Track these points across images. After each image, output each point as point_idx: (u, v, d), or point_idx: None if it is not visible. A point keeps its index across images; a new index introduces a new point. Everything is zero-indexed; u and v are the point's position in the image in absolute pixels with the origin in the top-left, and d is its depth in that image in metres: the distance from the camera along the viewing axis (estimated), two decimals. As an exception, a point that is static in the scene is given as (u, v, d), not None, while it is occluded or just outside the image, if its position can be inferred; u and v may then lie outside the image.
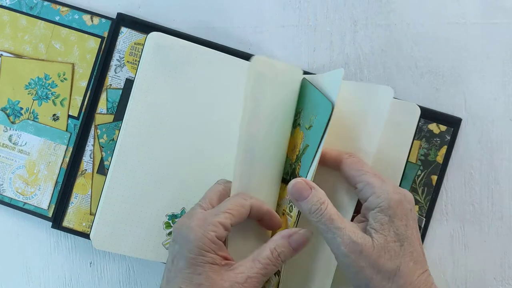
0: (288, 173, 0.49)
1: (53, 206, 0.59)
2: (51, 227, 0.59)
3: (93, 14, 0.60)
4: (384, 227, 0.40)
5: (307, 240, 0.43)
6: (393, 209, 0.40)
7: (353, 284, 0.41)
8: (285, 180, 0.50)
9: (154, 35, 0.55)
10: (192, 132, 0.54)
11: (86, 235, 0.58)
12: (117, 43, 0.60)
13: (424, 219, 0.49)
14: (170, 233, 0.55)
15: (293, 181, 0.42)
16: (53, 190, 0.59)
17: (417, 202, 0.56)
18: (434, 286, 0.40)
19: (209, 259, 0.41)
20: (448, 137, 0.57)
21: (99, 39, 0.60)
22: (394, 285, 0.39)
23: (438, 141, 0.57)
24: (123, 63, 0.59)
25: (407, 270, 0.39)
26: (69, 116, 0.60)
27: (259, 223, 0.47)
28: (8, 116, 0.60)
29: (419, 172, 0.57)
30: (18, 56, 0.60)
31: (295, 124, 0.50)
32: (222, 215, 0.42)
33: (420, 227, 0.48)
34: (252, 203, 0.44)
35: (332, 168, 0.45)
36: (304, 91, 0.50)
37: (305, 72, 0.58)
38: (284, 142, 0.50)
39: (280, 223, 0.47)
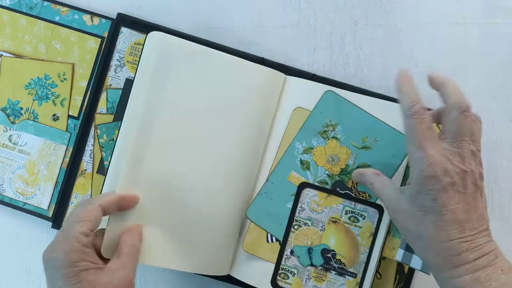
0: (328, 184, 0.54)
1: (53, 206, 0.59)
2: (51, 227, 0.59)
3: (93, 14, 0.60)
4: (412, 198, 0.43)
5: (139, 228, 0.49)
6: (421, 184, 0.42)
7: (403, 235, 0.46)
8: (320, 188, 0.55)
9: (154, 34, 0.55)
10: (192, 132, 0.54)
11: (86, 235, 0.58)
12: (117, 43, 0.60)
13: None
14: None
15: (353, 173, 0.53)
16: (53, 190, 0.59)
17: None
18: (465, 254, 0.40)
19: (83, 266, 0.44)
20: (448, 137, 0.57)
21: (99, 39, 0.60)
22: (418, 245, 0.43)
23: (438, 141, 0.57)
24: (123, 63, 0.59)
25: (428, 236, 0.42)
26: (69, 116, 0.60)
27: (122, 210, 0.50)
28: (8, 116, 0.60)
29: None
30: (18, 56, 0.60)
31: (325, 135, 0.54)
32: (78, 225, 0.45)
33: None
34: (100, 202, 0.46)
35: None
36: (341, 106, 0.54)
37: (304, 72, 0.58)
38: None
39: (136, 197, 0.50)
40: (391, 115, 0.52)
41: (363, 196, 0.53)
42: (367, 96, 0.55)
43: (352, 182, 0.54)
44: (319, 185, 0.54)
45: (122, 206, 0.49)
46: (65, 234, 0.45)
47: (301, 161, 0.55)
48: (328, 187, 0.54)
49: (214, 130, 0.54)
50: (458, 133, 0.42)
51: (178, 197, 0.52)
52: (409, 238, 0.44)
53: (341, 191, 0.54)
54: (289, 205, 0.54)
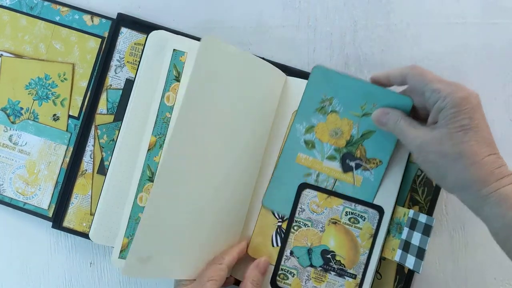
0: (337, 158, 0.54)
1: (53, 206, 0.59)
2: (51, 227, 0.59)
3: (93, 14, 0.60)
4: (448, 122, 0.44)
5: (267, 263, 0.54)
6: (458, 106, 0.44)
7: (429, 173, 0.48)
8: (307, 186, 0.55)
9: (155, 34, 0.55)
10: (193, 132, 0.54)
11: (86, 235, 0.58)
12: (117, 43, 0.60)
13: (434, 218, 0.49)
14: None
15: (373, 114, 0.51)
16: (53, 190, 0.60)
17: (417, 202, 0.56)
18: (504, 167, 0.43)
19: None
20: (448, 137, 0.57)
21: (99, 39, 0.60)
22: (460, 166, 0.44)
23: (438, 141, 0.57)
24: (123, 63, 0.59)
25: (471, 151, 0.43)
26: (69, 116, 0.60)
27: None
28: (8, 116, 0.60)
29: (419, 172, 0.57)
30: (19, 56, 0.60)
31: (323, 110, 0.53)
32: (208, 284, 0.49)
33: (430, 226, 0.49)
34: (227, 262, 0.51)
35: (397, 84, 0.50)
36: (333, 79, 0.53)
37: (304, 72, 0.58)
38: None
39: (245, 245, 0.55)
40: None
41: (374, 163, 0.53)
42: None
43: (360, 151, 0.53)
44: (323, 175, 0.54)
45: (240, 257, 0.54)
46: None
47: (305, 141, 0.54)
48: (337, 161, 0.54)
49: (226, 130, 0.53)
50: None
51: (186, 199, 0.51)
52: (445, 164, 0.45)
53: (351, 163, 0.54)
54: None
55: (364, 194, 0.54)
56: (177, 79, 0.56)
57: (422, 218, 0.48)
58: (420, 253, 0.48)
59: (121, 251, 0.55)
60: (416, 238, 0.48)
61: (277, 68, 0.55)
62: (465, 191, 0.44)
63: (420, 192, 0.57)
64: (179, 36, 0.56)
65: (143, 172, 0.55)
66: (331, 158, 0.54)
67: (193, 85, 0.47)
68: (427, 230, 0.47)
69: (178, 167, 0.49)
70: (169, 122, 0.56)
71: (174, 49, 0.56)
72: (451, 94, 0.44)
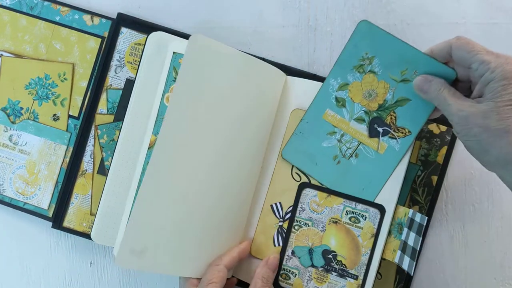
0: (365, 121, 0.53)
1: (53, 206, 0.59)
2: (51, 227, 0.59)
3: (93, 14, 0.60)
4: (496, 95, 0.42)
5: (277, 260, 0.54)
6: (508, 79, 0.42)
7: (469, 148, 0.45)
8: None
9: (155, 35, 0.55)
10: (208, 133, 0.54)
11: (86, 235, 0.58)
12: (117, 43, 0.60)
13: (426, 217, 0.49)
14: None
15: (414, 81, 0.49)
16: (54, 190, 0.59)
17: (417, 202, 0.56)
18: None
19: None
20: (448, 138, 0.57)
21: (99, 39, 0.60)
22: (504, 141, 0.42)
23: (438, 142, 0.57)
24: (123, 63, 0.59)
25: None
26: (69, 116, 0.60)
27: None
28: (8, 116, 0.60)
29: (419, 173, 0.57)
30: (19, 56, 0.60)
31: (362, 69, 0.52)
32: (209, 286, 0.49)
33: (422, 225, 0.48)
34: (225, 263, 0.51)
35: (442, 59, 0.49)
36: (377, 38, 0.51)
37: (304, 72, 0.58)
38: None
39: (247, 246, 0.55)
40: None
41: (402, 132, 0.52)
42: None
43: (391, 118, 0.52)
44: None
45: (242, 258, 0.54)
46: None
47: (336, 98, 0.53)
48: (365, 124, 0.53)
49: (229, 130, 0.53)
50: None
51: (180, 194, 0.52)
52: (489, 139, 0.43)
53: (379, 128, 0.53)
54: (325, 144, 0.54)
55: (385, 164, 0.52)
56: (177, 80, 0.56)
57: (417, 217, 0.48)
58: (413, 254, 0.47)
59: None
60: (411, 239, 0.48)
61: (275, 67, 0.55)
62: (506, 168, 0.43)
63: (420, 192, 0.57)
64: (178, 37, 0.56)
65: (143, 171, 0.55)
66: (360, 120, 0.53)
67: (181, 83, 0.48)
68: (419, 230, 0.47)
69: (168, 161, 0.49)
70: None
71: (174, 52, 0.56)
72: (501, 65, 0.42)
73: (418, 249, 0.47)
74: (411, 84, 0.50)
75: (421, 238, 0.47)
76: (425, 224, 0.47)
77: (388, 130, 0.52)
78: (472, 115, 0.43)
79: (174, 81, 0.56)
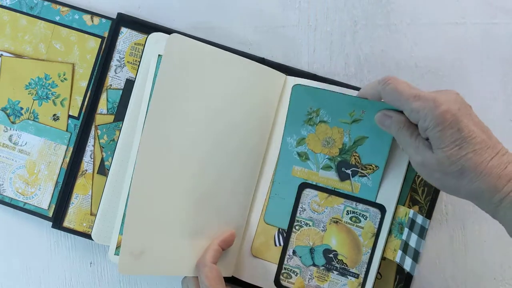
0: (332, 167, 0.54)
1: (54, 206, 0.59)
2: (52, 227, 0.59)
3: (93, 14, 0.60)
4: (438, 141, 0.42)
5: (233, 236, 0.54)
6: (441, 124, 0.42)
7: (439, 188, 0.45)
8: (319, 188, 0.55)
9: (154, 36, 0.55)
10: (194, 133, 0.54)
11: (86, 235, 0.58)
12: (117, 43, 0.60)
13: (429, 220, 0.49)
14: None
15: (376, 116, 0.48)
16: (54, 190, 0.59)
17: (417, 202, 0.56)
18: (510, 165, 0.42)
19: None
20: (448, 137, 0.57)
21: (99, 39, 0.60)
22: (466, 180, 0.42)
23: (438, 141, 0.57)
24: (123, 63, 0.59)
25: (472, 164, 0.41)
26: (69, 116, 0.60)
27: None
28: (8, 116, 0.60)
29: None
30: (19, 56, 0.60)
31: (311, 122, 0.53)
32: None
33: (424, 228, 0.48)
34: (210, 260, 0.51)
35: (375, 100, 0.49)
36: (315, 95, 0.53)
37: (304, 72, 0.58)
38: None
39: (228, 236, 0.54)
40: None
41: (370, 168, 0.53)
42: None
43: (355, 158, 0.53)
44: (321, 185, 0.54)
45: (227, 246, 0.54)
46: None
47: (298, 153, 0.55)
48: (333, 170, 0.54)
49: (219, 131, 0.54)
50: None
51: (185, 198, 0.52)
52: (451, 181, 0.43)
53: (347, 170, 0.53)
54: None
55: (364, 201, 0.54)
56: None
57: (419, 219, 0.48)
58: (416, 256, 0.47)
59: (116, 248, 0.55)
60: (413, 240, 0.48)
61: (270, 68, 0.55)
62: (478, 200, 0.43)
63: (420, 192, 0.57)
64: (195, 41, 0.56)
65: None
66: (327, 168, 0.54)
67: (160, 89, 0.50)
68: (422, 232, 0.47)
69: (155, 162, 0.50)
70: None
71: (159, 55, 0.56)
72: (430, 112, 0.42)
73: (420, 251, 0.47)
74: (363, 122, 0.52)
75: (423, 241, 0.47)
76: (427, 227, 0.46)
77: (357, 170, 0.53)
78: (428, 161, 0.43)
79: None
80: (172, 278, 0.61)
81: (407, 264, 0.48)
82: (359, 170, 0.53)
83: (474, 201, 0.44)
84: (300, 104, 0.53)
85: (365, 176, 0.53)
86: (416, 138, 0.45)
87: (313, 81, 0.55)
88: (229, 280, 0.57)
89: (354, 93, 0.53)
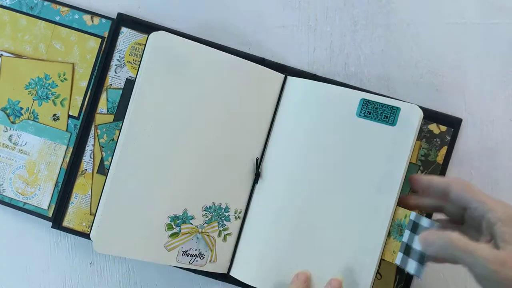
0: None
1: (53, 206, 0.59)
2: (51, 227, 0.59)
3: (93, 14, 0.60)
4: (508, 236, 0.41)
5: (306, 275, 0.52)
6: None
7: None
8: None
9: (155, 34, 0.55)
10: (194, 133, 0.54)
11: (86, 235, 0.58)
12: (118, 43, 0.60)
13: (436, 223, 0.49)
14: (172, 235, 0.55)
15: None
16: (53, 190, 0.59)
17: (417, 202, 0.56)
18: None
19: None
20: (448, 138, 0.57)
21: (99, 39, 0.60)
22: None
23: (438, 142, 0.57)
24: (124, 63, 0.59)
25: None
26: (69, 116, 0.60)
27: None
28: (8, 116, 0.60)
29: (419, 173, 0.57)
30: (18, 56, 0.60)
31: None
32: None
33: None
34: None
35: (437, 195, 0.48)
36: None
37: (304, 72, 0.58)
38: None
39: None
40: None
41: None
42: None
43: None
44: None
45: None
46: None
47: None
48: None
49: (215, 129, 0.54)
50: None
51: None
52: None
53: None
54: None
55: None
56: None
57: (424, 222, 0.47)
58: (422, 259, 0.47)
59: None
60: (417, 243, 0.48)
61: (262, 67, 0.56)
62: None
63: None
64: (179, 37, 0.56)
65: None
66: None
67: (142, 83, 0.52)
68: None
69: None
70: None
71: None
72: (501, 207, 0.42)
73: (427, 253, 0.46)
74: None
75: None
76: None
77: None
78: (508, 259, 0.40)
79: None
80: (173, 278, 0.61)
81: (411, 267, 0.48)
82: None
83: None
84: None
85: None
86: (472, 241, 0.42)
87: (313, 81, 0.55)
88: (226, 278, 0.57)
89: (353, 93, 0.53)
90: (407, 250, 0.49)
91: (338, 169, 0.53)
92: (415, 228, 0.48)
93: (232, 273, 0.56)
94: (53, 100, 0.60)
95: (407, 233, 0.49)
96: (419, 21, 0.59)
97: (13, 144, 0.60)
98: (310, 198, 0.53)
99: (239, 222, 0.56)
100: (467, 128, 0.58)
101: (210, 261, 0.56)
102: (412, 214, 0.49)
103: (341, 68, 0.60)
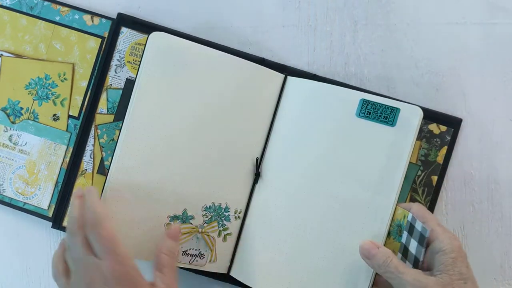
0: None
1: (53, 206, 0.59)
2: (51, 227, 0.59)
3: (93, 14, 0.60)
4: (448, 268, 0.44)
5: (178, 229, 0.52)
6: (455, 252, 0.45)
7: None
8: None
9: (156, 35, 0.55)
10: (194, 133, 0.54)
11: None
12: (118, 43, 0.60)
13: (428, 230, 0.49)
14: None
15: (361, 243, 0.49)
16: (53, 190, 0.59)
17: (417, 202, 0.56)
18: None
19: None
20: (448, 138, 0.57)
21: (100, 39, 0.60)
22: None
23: (438, 142, 0.57)
24: (124, 63, 0.59)
25: None
26: (69, 116, 0.60)
27: None
28: (8, 116, 0.60)
29: (419, 173, 0.57)
30: (19, 56, 0.60)
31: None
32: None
33: (424, 237, 0.48)
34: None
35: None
36: None
37: (304, 72, 0.58)
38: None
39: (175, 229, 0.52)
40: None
41: None
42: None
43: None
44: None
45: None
46: None
47: None
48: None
49: (214, 129, 0.54)
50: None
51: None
52: None
53: None
54: None
55: None
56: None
57: (418, 225, 0.48)
58: (416, 263, 0.47)
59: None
60: (413, 246, 0.48)
61: (260, 66, 0.56)
62: None
63: (420, 192, 0.57)
64: (179, 38, 0.56)
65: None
66: None
67: (141, 85, 0.52)
68: (421, 240, 0.47)
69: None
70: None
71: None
72: (448, 238, 0.45)
73: (420, 259, 0.47)
74: None
75: (424, 250, 0.46)
76: (427, 236, 0.46)
77: None
78: (430, 286, 0.44)
79: None
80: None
81: None
82: None
83: None
84: None
85: None
86: (407, 266, 0.46)
87: (313, 81, 0.55)
88: (226, 279, 0.57)
89: (353, 93, 0.53)
90: (405, 251, 0.49)
91: (337, 169, 0.53)
92: (411, 230, 0.48)
93: (232, 273, 0.56)
94: (53, 100, 0.60)
95: (405, 234, 0.49)
96: (419, 21, 0.59)
97: (13, 144, 0.60)
98: (309, 197, 0.53)
99: (239, 222, 0.57)
100: (467, 128, 0.58)
101: (210, 261, 0.56)
102: (409, 216, 0.49)
103: (341, 68, 0.60)
